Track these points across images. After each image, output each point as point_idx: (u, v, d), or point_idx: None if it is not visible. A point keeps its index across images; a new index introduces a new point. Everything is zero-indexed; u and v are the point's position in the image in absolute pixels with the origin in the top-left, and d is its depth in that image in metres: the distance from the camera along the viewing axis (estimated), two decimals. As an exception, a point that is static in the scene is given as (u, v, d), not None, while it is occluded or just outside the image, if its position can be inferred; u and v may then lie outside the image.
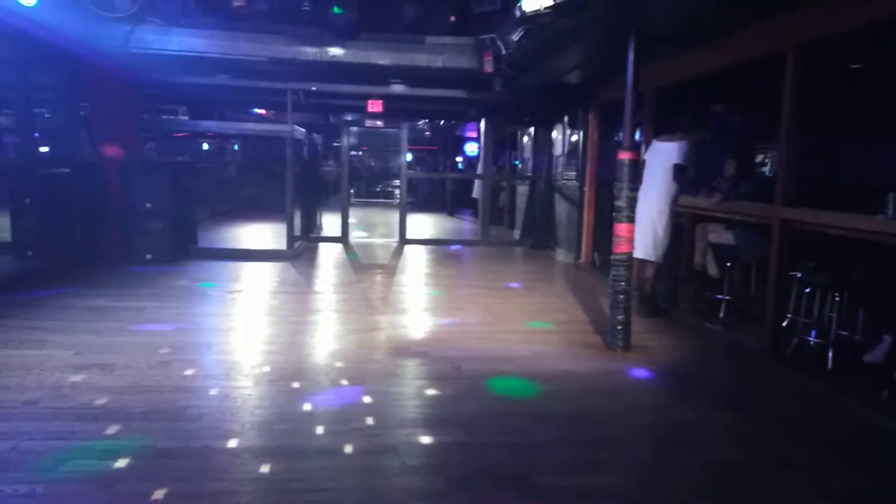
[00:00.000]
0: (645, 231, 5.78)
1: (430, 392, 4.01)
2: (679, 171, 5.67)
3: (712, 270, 6.15)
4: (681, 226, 6.46)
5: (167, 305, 6.02)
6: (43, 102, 9.79)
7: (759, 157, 9.90)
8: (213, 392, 3.86)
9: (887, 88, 6.60)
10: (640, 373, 4.53)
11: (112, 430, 3.24)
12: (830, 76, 6.43)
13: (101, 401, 3.61)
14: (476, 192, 14.05)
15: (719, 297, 5.99)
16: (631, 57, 4.76)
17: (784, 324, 4.90)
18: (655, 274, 6.03)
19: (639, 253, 5.72)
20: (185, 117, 11.67)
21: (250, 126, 12.25)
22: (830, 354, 4.55)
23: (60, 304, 5.82)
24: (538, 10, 5.25)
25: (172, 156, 12.73)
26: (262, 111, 14.14)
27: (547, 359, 4.75)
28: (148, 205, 8.15)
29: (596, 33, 5.60)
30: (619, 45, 4.87)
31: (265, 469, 2.91)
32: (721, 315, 5.93)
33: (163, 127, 11.17)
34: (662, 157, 5.77)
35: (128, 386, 3.86)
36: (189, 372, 4.18)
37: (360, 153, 25.24)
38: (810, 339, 4.76)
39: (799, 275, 4.84)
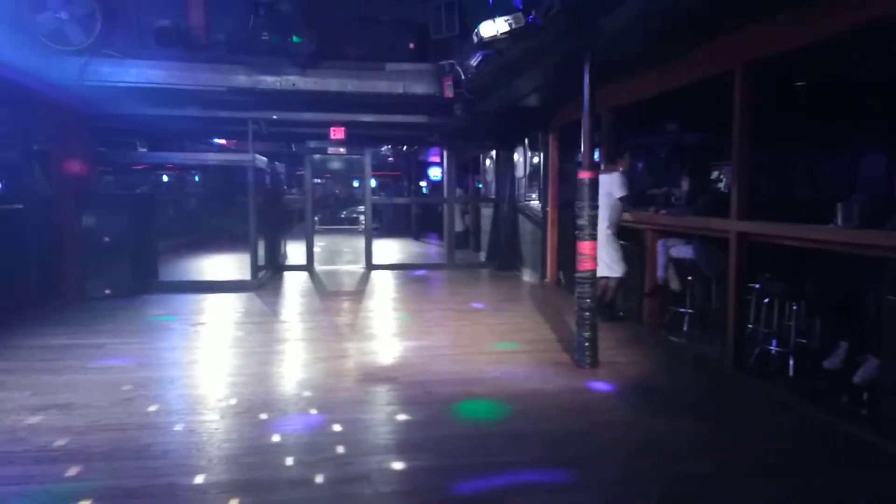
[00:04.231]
0: (599, 255, 6.01)
1: (401, 417, 3.98)
2: (626, 202, 6.46)
3: (674, 285, 6.28)
4: (641, 243, 6.64)
5: (128, 341, 5.87)
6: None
7: (715, 174, 10.18)
8: (178, 427, 3.76)
9: (837, 104, 6.90)
10: (609, 388, 4.58)
11: (72, 471, 3.13)
12: (782, 93, 6.69)
13: (60, 442, 3.49)
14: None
15: (682, 310, 6.13)
16: (587, 80, 4.88)
17: (746, 334, 5.01)
18: (617, 286, 6.55)
19: (600, 272, 6.17)
20: (144, 149, 11.50)
21: (211, 156, 12.12)
22: (791, 362, 4.67)
23: (16, 344, 5.63)
24: (495, 35, 5.35)
25: (131, 188, 12.48)
26: (223, 141, 14.02)
27: (517, 379, 4.76)
28: (106, 238, 7.97)
29: (552, 58, 5.73)
30: (576, 68, 4.99)
31: (234, 504, 2.84)
32: (685, 328, 6.06)
33: (121, 159, 10.97)
34: (602, 188, 6.06)
35: (88, 425, 3.74)
36: (153, 408, 4.07)
37: (324, 180, 25.18)
38: (771, 348, 4.88)
39: (757, 286, 4.97)
